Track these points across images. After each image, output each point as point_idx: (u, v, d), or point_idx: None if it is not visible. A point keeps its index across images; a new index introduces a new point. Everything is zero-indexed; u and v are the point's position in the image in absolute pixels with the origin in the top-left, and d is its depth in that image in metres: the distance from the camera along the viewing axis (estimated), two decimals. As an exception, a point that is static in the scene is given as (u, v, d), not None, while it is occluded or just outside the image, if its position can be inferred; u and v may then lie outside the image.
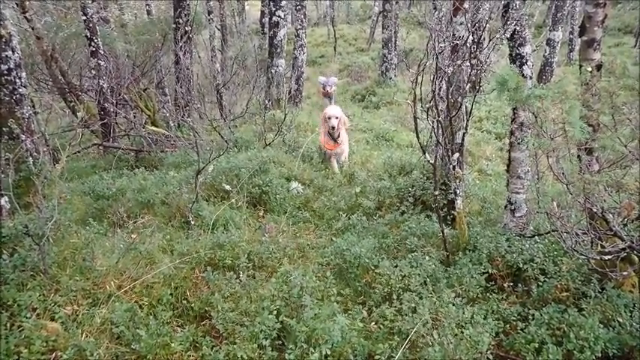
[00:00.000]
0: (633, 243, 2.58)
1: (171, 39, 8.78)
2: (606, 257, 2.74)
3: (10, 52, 4.41)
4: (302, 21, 10.21)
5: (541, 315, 2.80)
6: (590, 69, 2.89)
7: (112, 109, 7.20)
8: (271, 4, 9.38)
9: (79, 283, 2.81)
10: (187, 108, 7.87)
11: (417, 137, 3.63)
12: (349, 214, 4.49)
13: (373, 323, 2.95)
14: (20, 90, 4.52)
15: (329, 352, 2.49)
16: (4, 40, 4.36)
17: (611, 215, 2.74)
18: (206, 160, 4.33)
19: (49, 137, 5.77)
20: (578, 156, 2.68)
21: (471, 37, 3.75)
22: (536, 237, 3.53)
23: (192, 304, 2.95)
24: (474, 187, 5.00)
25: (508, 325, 2.90)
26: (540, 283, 3.16)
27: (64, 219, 3.41)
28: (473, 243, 3.60)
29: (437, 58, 3.41)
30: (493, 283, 3.31)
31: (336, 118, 5.90)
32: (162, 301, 2.90)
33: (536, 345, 2.62)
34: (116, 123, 7.27)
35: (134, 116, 7.67)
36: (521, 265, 3.32)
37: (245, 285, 3.03)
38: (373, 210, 4.64)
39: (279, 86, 9.47)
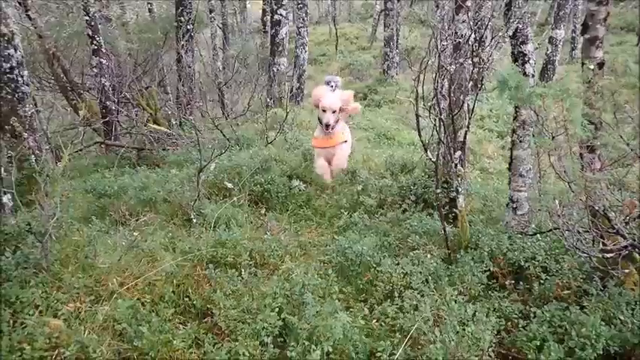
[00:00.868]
0: (635, 241, 2.57)
1: (172, 37, 8.79)
2: (608, 255, 2.74)
3: (13, 51, 4.42)
4: (304, 19, 10.21)
5: (543, 313, 2.80)
6: (592, 67, 2.89)
7: (114, 108, 7.22)
8: (273, 2, 9.39)
9: (82, 281, 2.81)
10: (189, 106, 7.88)
11: (419, 135, 3.63)
12: (351, 212, 4.49)
13: (375, 321, 2.95)
14: (22, 88, 4.53)
15: (330, 350, 2.49)
16: (6, 38, 4.37)
17: (613, 213, 2.74)
18: (208, 158, 4.34)
19: (51, 135, 5.79)
20: (580, 154, 2.68)
21: (473, 36, 3.75)
22: (537, 235, 3.53)
23: (194, 302, 2.96)
24: (475, 186, 5.00)
25: (510, 323, 2.90)
26: (542, 281, 3.15)
27: (67, 217, 3.42)
28: (475, 241, 3.60)
29: (439, 56, 3.41)
30: (495, 281, 3.31)
31: (333, 112, 4.63)
32: (164, 298, 2.90)
33: (538, 342, 2.62)
34: (118, 121, 7.28)
35: (136, 114, 7.69)
36: (522, 263, 3.32)
37: (247, 282, 3.03)
38: (375, 208, 4.64)
39: (280, 85, 9.48)
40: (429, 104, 3.59)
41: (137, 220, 4.08)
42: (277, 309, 2.76)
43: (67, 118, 9.24)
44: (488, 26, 3.77)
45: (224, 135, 5.73)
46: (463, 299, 2.92)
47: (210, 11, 11.22)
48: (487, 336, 2.49)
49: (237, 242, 3.53)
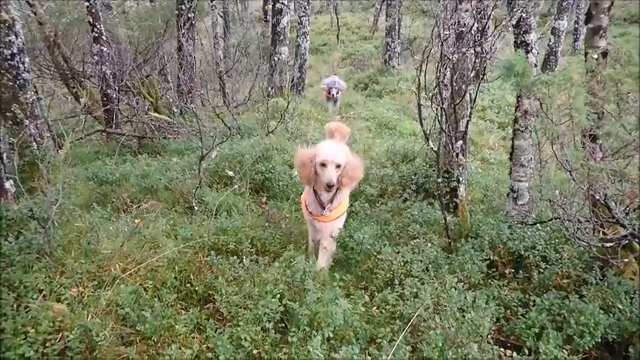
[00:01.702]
0: (635, 230, 2.59)
1: (173, 25, 8.74)
2: (608, 244, 2.75)
3: (14, 37, 4.41)
4: (305, 8, 10.15)
5: (542, 301, 2.82)
6: (595, 56, 2.88)
7: (114, 96, 7.20)
8: (274, -10, 9.33)
9: (84, 266, 2.83)
10: (190, 95, 7.86)
11: (421, 124, 3.63)
12: (352, 201, 4.51)
13: (375, 308, 2.97)
14: (24, 75, 4.52)
15: (331, 335, 2.51)
16: (7, 24, 4.35)
17: (613, 203, 2.75)
18: (209, 147, 4.34)
19: (52, 123, 5.78)
20: (582, 143, 2.69)
21: (476, 25, 3.73)
22: (538, 224, 3.54)
23: (196, 288, 2.98)
24: (476, 176, 5.01)
25: (509, 311, 2.92)
26: (541, 270, 3.17)
27: (69, 203, 3.43)
28: (475, 230, 3.62)
29: (442, 45, 3.40)
30: (494, 269, 3.33)
31: (337, 166, 3.15)
32: (166, 284, 2.92)
33: (537, 330, 2.64)
34: (119, 109, 7.26)
35: (137, 103, 7.67)
36: (522, 253, 3.34)
37: (248, 269, 3.06)
38: (376, 197, 4.65)
39: (281, 74, 9.45)
40: (430, 94, 3.59)
41: (139, 208, 4.09)
42: (279, 295, 2.78)
43: (68, 106, 9.21)
44: (491, 15, 3.75)
45: (225, 124, 5.72)
46: (463, 287, 2.94)
47: (211, -1, 11.16)
48: (486, 323, 2.51)
49: (238, 230, 3.55)
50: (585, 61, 3.02)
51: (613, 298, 2.80)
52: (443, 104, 3.53)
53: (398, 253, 3.31)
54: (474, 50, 3.60)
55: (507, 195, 4.04)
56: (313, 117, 7.73)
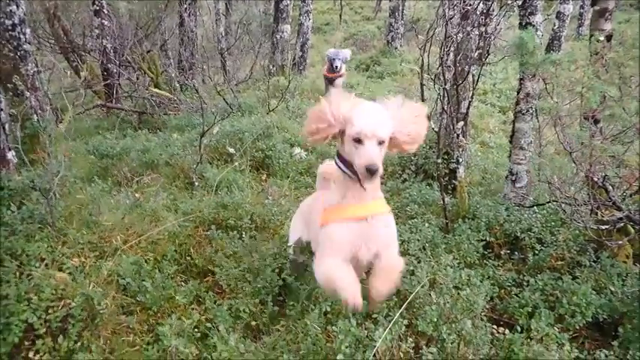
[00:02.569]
0: (631, 213, 2.62)
1: (175, 0, 8.64)
2: (603, 227, 2.79)
3: (15, 7, 4.35)
4: (308, -14, 10.01)
5: (536, 281, 2.87)
6: (600, 39, 2.88)
7: (115, 70, 7.16)
8: (278, -33, 9.19)
9: (86, 237, 2.87)
10: (191, 71, 7.81)
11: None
12: (351, 180, 4.53)
13: (372, 284, 3.02)
14: (25, 46, 4.48)
15: (329, 309, 2.56)
16: (7, -6, 4.30)
17: (610, 186, 2.78)
18: (210, 124, 4.35)
19: (52, 97, 5.76)
20: (583, 125, 2.70)
21: (481, 5, 3.71)
22: (535, 207, 3.58)
23: (196, 261, 3.02)
24: (475, 158, 5.03)
25: (503, 291, 2.98)
26: (536, 252, 3.22)
27: (70, 175, 3.45)
28: (472, 212, 3.65)
29: (447, 24, 3.38)
30: (490, 250, 3.37)
31: (381, 142, 2.04)
32: (166, 256, 2.96)
33: (529, 309, 2.70)
34: (119, 84, 7.23)
35: (137, 78, 7.62)
36: (518, 234, 3.38)
37: (248, 244, 3.10)
38: (375, 177, 4.67)
39: (283, 52, 9.37)
40: (433, 74, 3.58)
41: (139, 182, 4.11)
42: (277, 269, 2.82)
43: (67, 79, 9.16)
44: (497, -4, 3.73)
45: (226, 101, 5.71)
46: (459, 266, 2.99)
47: (214, -25, 11.01)
48: (480, 301, 2.56)
49: (238, 205, 3.57)
50: (590, 43, 3.02)
51: (605, 279, 2.86)
52: (445, 85, 3.53)
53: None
54: (478, 31, 3.58)
55: (506, 177, 4.07)
56: (314, 97, 7.69)
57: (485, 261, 3.22)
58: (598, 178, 2.64)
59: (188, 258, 3.06)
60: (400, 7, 12.14)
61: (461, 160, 3.85)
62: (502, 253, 3.34)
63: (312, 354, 2.26)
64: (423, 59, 3.40)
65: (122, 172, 4.14)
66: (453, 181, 3.98)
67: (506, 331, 2.45)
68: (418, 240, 3.26)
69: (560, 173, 3.19)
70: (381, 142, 2.04)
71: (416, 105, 2.18)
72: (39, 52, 8.50)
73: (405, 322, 2.39)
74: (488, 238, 3.38)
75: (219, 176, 4.08)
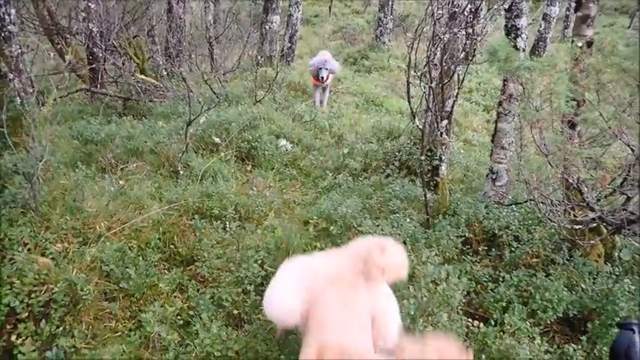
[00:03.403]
0: (603, 214, 2.72)
1: (163, -15, 8.54)
2: (577, 227, 2.89)
3: (-1, -13, 4.27)
4: (299, -23, 9.96)
5: (511, 277, 2.97)
6: (580, 44, 2.96)
7: (100, 55, 7.05)
8: (269, -44, 9.12)
9: (70, 222, 2.87)
10: (178, 59, 7.74)
11: (409, 102, 3.69)
12: (335, 174, 4.59)
13: (353, 277, 3.08)
14: (9, 27, 4.40)
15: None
16: (-8, -27, 4.22)
17: (585, 188, 2.88)
18: (196, 112, 4.34)
19: (35, 79, 5.66)
20: (561, 129, 2.79)
21: (469, 6, 3.76)
22: (513, 206, 3.68)
23: (180, 249, 3.05)
24: (458, 156, 5.12)
25: (479, 286, 3.07)
26: (513, 249, 3.32)
27: (54, 160, 3.43)
28: (453, 208, 3.73)
29: (435, 24, 3.43)
30: (469, 246, 3.47)
31: None
32: (150, 244, 2.98)
33: (504, 304, 2.80)
34: (105, 69, 7.12)
35: (123, 63, 7.52)
36: (496, 232, 3.48)
37: (232, 234, 3.13)
38: (359, 171, 4.74)
39: (272, 43, 9.34)
40: (420, 72, 3.63)
41: (123, 169, 4.10)
42: (260, 261, 2.87)
43: (50, 62, 8.99)
44: (485, -3, 3.79)
45: (213, 90, 5.69)
46: (438, 261, 3.07)
47: (203, -39, 10.86)
48: (457, 295, 2.64)
49: (223, 195, 3.60)
50: (571, 48, 3.10)
51: (577, 277, 2.97)
52: (431, 83, 3.58)
53: (378, 226, 3.41)
54: (465, 32, 3.64)
55: (487, 176, 4.16)
56: (302, 89, 7.70)
57: (463, 256, 3.31)
58: (573, 180, 2.74)
59: (172, 246, 3.08)
60: (390, 3, 12.16)
61: (443, 157, 3.93)
62: (480, 249, 3.43)
63: (293, 343, 2.31)
64: (410, 57, 3.45)
65: (106, 158, 4.12)
66: (435, 178, 4.06)
67: (481, 325, 2.55)
68: (399, 234, 3.33)
69: (539, 174, 3.29)
70: None
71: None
72: (22, 34, 8.32)
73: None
74: (467, 235, 3.47)
75: (204, 166, 4.09)
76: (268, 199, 3.83)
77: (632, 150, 2.72)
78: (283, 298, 1.97)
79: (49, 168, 3.29)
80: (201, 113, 4.26)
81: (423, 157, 3.69)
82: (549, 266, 3.13)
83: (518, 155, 3.34)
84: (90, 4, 6.97)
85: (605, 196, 3.11)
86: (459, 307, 2.65)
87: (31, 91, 4.76)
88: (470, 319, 2.60)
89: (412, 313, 2.45)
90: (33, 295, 2.29)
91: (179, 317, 2.51)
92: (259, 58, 8.07)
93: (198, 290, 2.72)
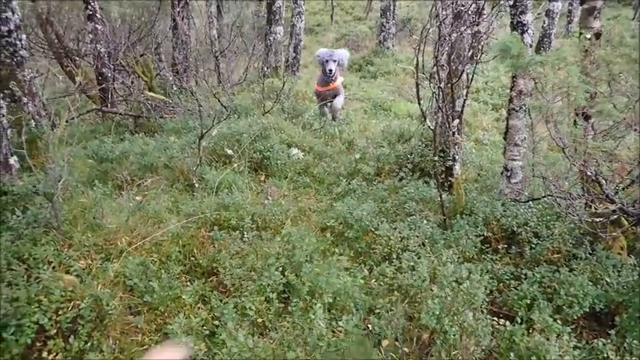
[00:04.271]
0: (624, 205, 2.70)
1: (166, 4, 8.65)
2: (597, 219, 2.87)
3: (10, 14, 4.38)
4: (300, -13, 10.05)
5: (533, 274, 2.95)
6: (589, 37, 2.95)
7: (109, 74, 7.16)
8: (270, -31, 9.23)
9: (91, 239, 2.90)
10: (185, 74, 7.83)
11: (419, 103, 3.70)
12: (349, 179, 4.59)
13: (374, 280, 3.08)
14: (21, 52, 4.51)
15: (331, 301, 2.63)
16: (3, 0, 4.32)
17: (604, 180, 2.86)
18: (207, 126, 4.38)
19: (47, 102, 5.75)
20: (575, 121, 2.78)
21: (474, 5, 3.78)
22: (530, 202, 3.65)
23: (200, 261, 3.06)
24: (471, 155, 5.10)
25: (502, 284, 3.05)
26: (533, 246, 3.30)
27: (72, 180, 3.48)
28: (469, 208, 3.72)
29: (440, 24, 3.45)
30: (488, 245, 3.45)
31: None
32: (171, 257, 3.00)
33: (528, 301, 2.77)
34: (114, 88, 7.23)
35: (132, 82, 7.63)
36: (515, 229, 3.46)
37: (251, 243, 3.14)
38: (372, 176, 4.74)
39: (276, 54, 9.42)
40: (428, 73, 3.65)
41: (139, 185, 4.14)
42: (281, 268, 2.88)
43: (60, 85, 9.13)
44: (489, -4, 3.80)
45: (222, 103, 5.74)
46: (458, 261, 3.06)
47: (205, -23, 11.02)
48: (480, 294, 2.62)
49: (239, 206, 3.62)
50: (579, 41, 3.10)
51: (601, 271, 2.94)
52: (440, 84, 3.59)
53: (395, 229, 3.41)
54: (471, 30, 3.65)
55: (501, 174, 4.14)
56: (309, 97, 7.75)
57: (483, 255, 3.30)
58: (591, 173, 2.72)
59: (192, 258, 3.10)
60: (391, 7, 12.22)
61: (457, 157, 3.92)
62: (500, 247, 3.41)
63: (319, 349, 2.31)
64: (417, 59, 3.47)
65: (122, 175, 4.16)
66: (450, 179, 4.05)
67: (507, 323, 2.52)
68: (417, 236, 3.32)
69: (554, 168, 3.27)
70: None
71: None
72: (32, 58, 8.48)
73: (407, 317, 2.45)
74: (485, 233, 3.46)
75: (218, 178, 4.12)
76: (284, 207, 3.84)
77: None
78: None
79: (68, 187, 3.33)
80: (213, 126, 4.31)
81: (436, 158, 3.69)
82: (572, 261, 3.10)
83: (532, 151, 3.33)
84: (97, 25, 7.09)
85: (624, 188, 3.09)
86: (482, 306, 2.63)
87: (44, 113, 4.84)
88: (495, 318, 2.58)
89: (437, 312, 2.44)
90: (60, 312, 2.31)
91: (204, 328, 2.52)
92: (265, 69, 8.16)
93: (221, 300, 2.73)
